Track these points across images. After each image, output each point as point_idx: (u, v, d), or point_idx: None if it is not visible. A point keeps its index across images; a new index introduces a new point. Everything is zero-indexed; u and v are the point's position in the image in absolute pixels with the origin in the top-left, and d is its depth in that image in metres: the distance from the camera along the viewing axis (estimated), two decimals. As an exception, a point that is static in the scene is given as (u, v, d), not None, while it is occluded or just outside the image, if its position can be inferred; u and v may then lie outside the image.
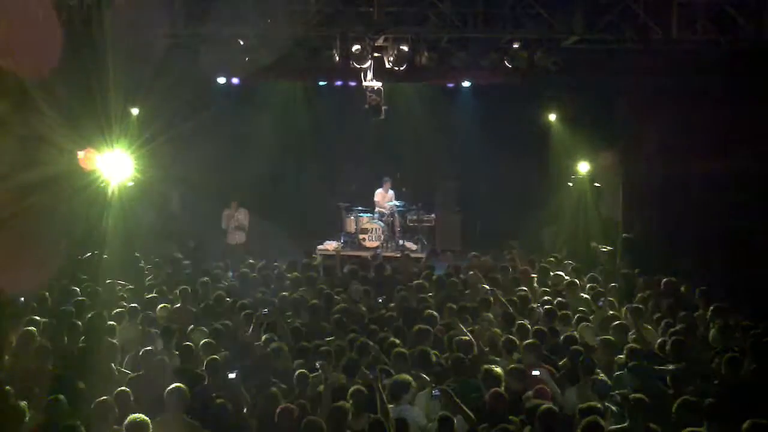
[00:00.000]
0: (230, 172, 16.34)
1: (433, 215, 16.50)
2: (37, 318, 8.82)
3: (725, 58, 11.28)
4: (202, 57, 12.53)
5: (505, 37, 12.08)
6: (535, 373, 7.30)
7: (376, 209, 16.09)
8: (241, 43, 12.09)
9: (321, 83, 15.88)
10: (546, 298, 10.05)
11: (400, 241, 15.78)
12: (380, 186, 16.34)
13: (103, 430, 6.27)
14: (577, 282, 11.00)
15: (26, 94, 11.21)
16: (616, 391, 7.09)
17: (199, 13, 11.10)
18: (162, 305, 9.72)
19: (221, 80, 15.04)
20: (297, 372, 7.38)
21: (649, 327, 9.08)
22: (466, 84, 15.85)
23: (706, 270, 11.00)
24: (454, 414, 6.53)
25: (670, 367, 7.58)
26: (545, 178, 15.77)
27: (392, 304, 10.02)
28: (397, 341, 8.13)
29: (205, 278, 11.19)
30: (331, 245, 15.50)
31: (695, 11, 11.06)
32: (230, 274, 12.19)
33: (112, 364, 7.54)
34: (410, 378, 7.01)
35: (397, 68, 12.28)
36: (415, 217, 16.23)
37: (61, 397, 6.54)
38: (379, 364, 7.48)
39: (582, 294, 10.50)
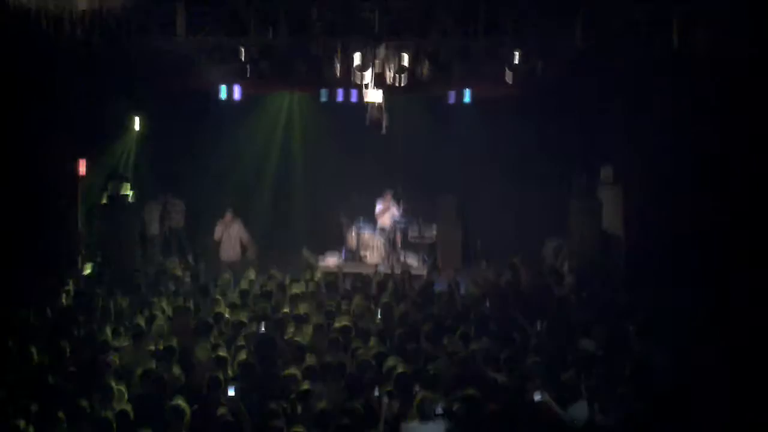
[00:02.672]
0: (231, 183, 16.29)
1: (434, 231, 16.43)
2: (36, 334, 8.76)
3: (727, 67, 11.25)
4: (203, 68, 12.53)
5: (506, 49, 12.07)
6: (537, 396, 7.24)
7: (378, 225, 16.02)
8: (243, 53, 12.07)
9: (322, 94, 15.86)
10: (547, 313, 10.01)
11: (402, 257, 15.71)
12: (380, 198, 16.26)
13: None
14: (579, 297, 10.95)
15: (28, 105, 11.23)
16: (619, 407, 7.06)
17: (200, 24, 11.09)
18: (162, 321, 9.65)
19: (223, 90, 15.02)
20: (299, 389, 7.31)
21: (651, 344, 9.02)
22: (466, 95, 15.82)
23: (708, 287, 10.93)
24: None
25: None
26: (547, 192, 15.73)
27: (393, 321, 9.95)
28: (398, 363, 8.04)
29: (206, 293, 11.12)
30: (332, 260, 15.42)
31: (695, 20, 11.05)
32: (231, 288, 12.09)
33: (113, 381, 7.45)
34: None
35: (398, 80, 12.27)
36: (416, 233, 16.16)
37: (61, 414, 6.49)
38: (381, 382, 7.44)
39: (584, 309, 10.44)
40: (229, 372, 7.98)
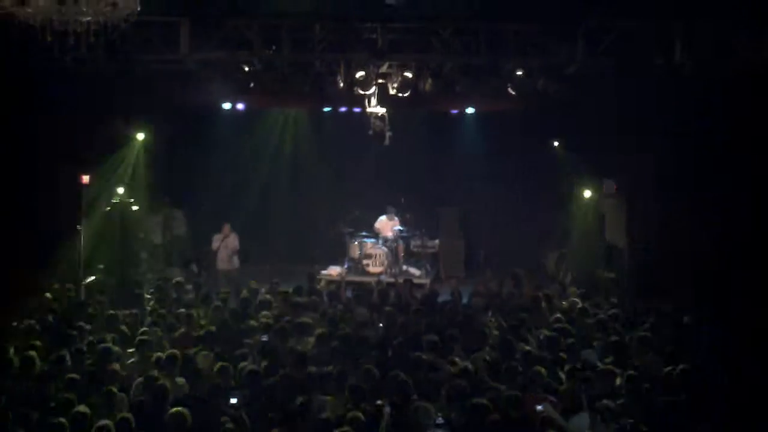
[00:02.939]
0: (234, 196, 16.37)
1: (436, 241, 16.48)
2: (38, 342, 8.80)
3: (727, 81, 11.31)
4: (207, 83, 12.63)
5: (508, 64, 12.15)
6: (539, 408, 7.24)
7: (380, 235, 16.08)
8: (246, 69, 12.18)
9: (325, 109, 15.98)
10: (551, 324, 10.03)
11: (404, 267, 15.75)
12: (383, 213, 16.32)
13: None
14: (582, 308, 10.96)
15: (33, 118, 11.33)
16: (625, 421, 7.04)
17: (204, 40, 11.19)
18: (165, 329, 9.69)
19: (226, 106, 15.13)
20: (300, 398, 7.33)
21: (654, 356, 9.01)
22: (469, 110, 15.93)
23: (709, 299, 10.94)
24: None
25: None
26: (549, 204, 15.78)
27: (395, 330, 9.97)
28: (400, 373, 8.06)
29: (208, 303, 11.17)
30: (335, 271, 15.47)
31: (696, 35, 11.13)
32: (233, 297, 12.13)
33: (114, 389, 7.49)
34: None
35: (401, 95, 12.36)
36: (419, 243, 16.22)
37: (63, 421, 6.52)
38: (383, 392, 7.46)
39: (587, 320, 10.45)
40: (231, 381, 8.00)
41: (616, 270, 13.88)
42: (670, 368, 8.21)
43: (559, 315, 10.64)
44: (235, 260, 14.87)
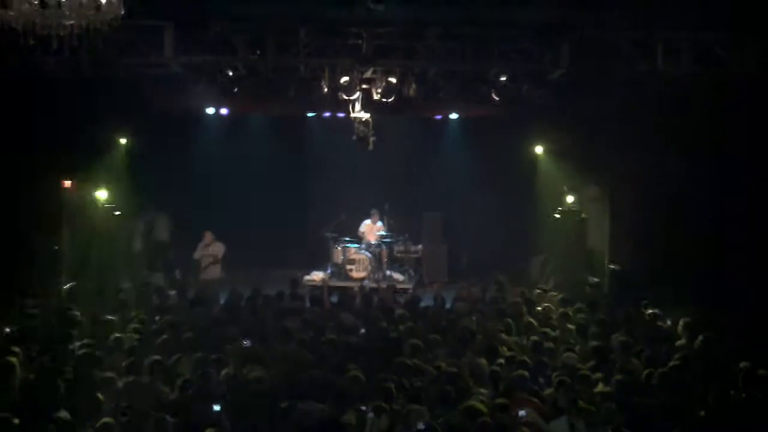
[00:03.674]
0: (218, 201, 16.33)
1: (420, 246, 16.52)
2: (19, 349, 8.73)
3: (710, 90, 11.44)
4: (191, 87, 12.60)
5: (493, 70, 12.22)
6: (522, 413, 7.27)
7: (364, 240, 16.10)
8: (230, 73, 12.17)
9: (309, 114, 15.96)
10: (534, 329, 10.07)
11: (388, 272, 15.76)
12: (367, 218, 16.36)
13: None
14: (563, 312, 11.01)
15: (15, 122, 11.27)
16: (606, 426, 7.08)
17: (188, 43, 11.17)
18: (147, 336, 9.64)
19: (210, 110, 15.08)
20: (283, 403, 7.32)
21: (635, 360, 9.08)
22: (453, 116, 15.98)
23: (691, 303, 11.03)
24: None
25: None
26: (532, 210, 15.87)
27: (378, 335, 9.98)
28: (383, 377, 8.07)
29: (192, 308, 11.13)
30: (318, 276, 15.45)
31: (679, 45, 11.26)
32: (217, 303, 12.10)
33: (98, 395, 7.44)
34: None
35: (385, 100, 12.39)
36: (402, 248, 16.24)
37: (50, 427, 6.48)
38: (366, 397, 7.47)
39: (569, 325, 10.50)
40: (214, 387, 7.96)
41: (598, 274, 13.97)
42: (649, 371, 8.29)
43: (541, 320, 10.70)
44: (218, 269, 14.84)
